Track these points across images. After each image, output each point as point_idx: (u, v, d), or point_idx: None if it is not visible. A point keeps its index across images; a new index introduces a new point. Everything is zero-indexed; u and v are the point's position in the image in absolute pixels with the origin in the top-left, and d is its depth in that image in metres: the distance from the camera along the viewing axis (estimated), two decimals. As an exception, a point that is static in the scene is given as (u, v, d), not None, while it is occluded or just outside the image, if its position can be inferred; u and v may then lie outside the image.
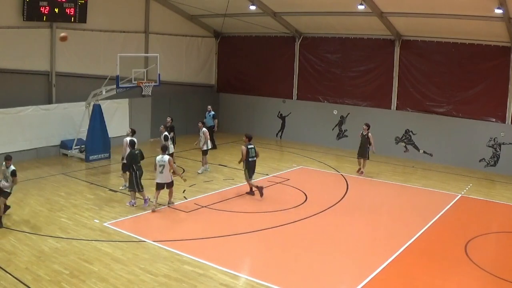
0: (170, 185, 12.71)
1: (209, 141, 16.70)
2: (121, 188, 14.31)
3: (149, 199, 12.79)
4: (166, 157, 12.61)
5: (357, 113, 21.25)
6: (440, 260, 10.04)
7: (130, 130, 14.61)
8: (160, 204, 12.98)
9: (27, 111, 17.62)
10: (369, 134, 16.64)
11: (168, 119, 17.23)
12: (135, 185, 12.65)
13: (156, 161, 12.56)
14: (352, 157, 19.89)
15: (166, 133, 15.61)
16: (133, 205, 12.74)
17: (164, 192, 12.73)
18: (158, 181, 12.59)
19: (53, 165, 17.17)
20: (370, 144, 16.71)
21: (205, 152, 16.53)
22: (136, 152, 12.88)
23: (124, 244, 10.35)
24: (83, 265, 9.22)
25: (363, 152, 16.88)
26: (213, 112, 20.41)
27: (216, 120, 20.30)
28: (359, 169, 17.19)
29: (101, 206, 12.78)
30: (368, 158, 17.05)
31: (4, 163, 11.23)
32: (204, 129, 16.62)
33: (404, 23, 18.86)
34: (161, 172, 12.49)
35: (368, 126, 16.80)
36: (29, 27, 17.66)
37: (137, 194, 12.87)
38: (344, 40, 21.53)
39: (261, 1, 19.62)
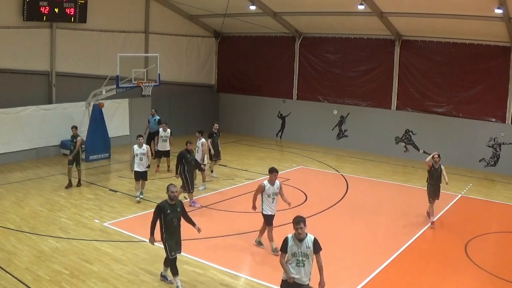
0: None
1: (206, 155, 15.07)
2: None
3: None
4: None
5: (357, 113, 21.27)
6: (440, 260, 10.04)
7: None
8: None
9: (27, 111, 17.63)
10: (442, 166, 12.35)
11: (216, 125, 16.42)
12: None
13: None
14: (352, 157, 19.96)
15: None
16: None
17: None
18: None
19: (53, 165, 17.18)
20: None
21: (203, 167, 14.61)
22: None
23: (124, 244, 10.35)
24: (83, 265, 9.22)
25: (437, 190, 12.30)
26: (158, 117, 17.90)
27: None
28: (428, 212, 12.46)
29: (101, 206, 12.79)
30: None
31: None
32: (203, 139, 14.80)
33: (404, 23, 18.87)
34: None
35: (439, 156, 12.32)
36: (29, 27, 17.67)
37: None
38: (344, 40, 21.53)
39: (261, 1, 19.63)
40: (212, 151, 15.80)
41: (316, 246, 6.67)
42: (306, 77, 22.84)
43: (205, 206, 13.00)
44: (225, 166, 17.52)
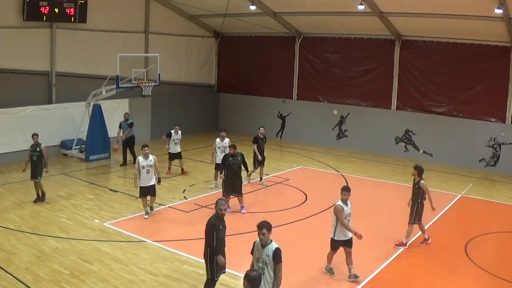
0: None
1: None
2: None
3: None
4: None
5: (357, 113, 21.26)
6: (440, 260, 10.04)
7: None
8: (160, 204, 13.02)
9: (27, 111, 17.63)
10: (422, 182, 10.45)
11: (262, 129, 15.66)
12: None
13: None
14: (352, 157, 19.95)
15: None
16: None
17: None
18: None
19: (53, 165, 17.07)
20: (424, 198, 10.51)
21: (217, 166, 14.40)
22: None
23: (124, 244, 10.35)
24: (83, 265, 9.22)
25: (416, 210, 10.60)
26: (130, 121, 17.36)
27: (130, 129, 17.09)
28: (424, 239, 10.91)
29: (101, 206, 12.79)
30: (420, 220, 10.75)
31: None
32: (227, 139, 14.57)
33: (404, 23, 18.87)
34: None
35: (419, 170, 10.55)
36: (29, 27, 17.67)
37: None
38: (344, 40, 21.53)
39: (261, 1, 19.62)
40: (259, 157, 15.20)
41: (276, 256, 6.35)
42: (306, 77, 22.84)
43: (205, 206, 13.01)
44: (225, 166, 17.50)
